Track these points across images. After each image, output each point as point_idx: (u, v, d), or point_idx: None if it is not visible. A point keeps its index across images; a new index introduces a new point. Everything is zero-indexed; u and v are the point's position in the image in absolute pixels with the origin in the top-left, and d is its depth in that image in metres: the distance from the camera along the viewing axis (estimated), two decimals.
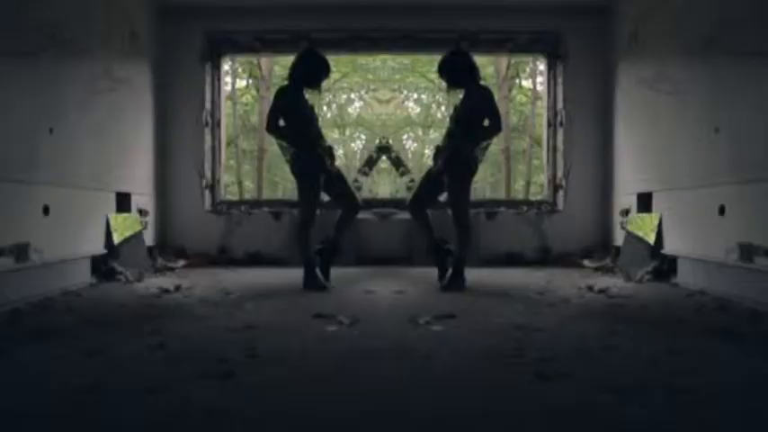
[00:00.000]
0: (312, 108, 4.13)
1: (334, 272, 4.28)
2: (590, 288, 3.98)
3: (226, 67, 6.55)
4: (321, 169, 4.03)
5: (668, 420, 1.55)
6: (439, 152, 4.11)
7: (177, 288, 3.93)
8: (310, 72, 4.04)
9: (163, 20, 5.78)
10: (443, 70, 4.12)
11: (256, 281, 4.50)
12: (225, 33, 5.99)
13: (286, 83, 4.13)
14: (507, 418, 1.58)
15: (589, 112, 5.96)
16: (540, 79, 9.21)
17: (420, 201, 4.18)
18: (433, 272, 4.28)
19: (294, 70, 4.06)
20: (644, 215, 4.90)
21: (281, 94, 4.05)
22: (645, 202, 4.96)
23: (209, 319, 2.96)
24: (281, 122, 4.03)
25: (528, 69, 11.01)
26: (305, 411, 1.63)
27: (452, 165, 4.01)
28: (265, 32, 6.01)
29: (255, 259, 5.79)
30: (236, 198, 8.47)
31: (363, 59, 6.67)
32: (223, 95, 6.24)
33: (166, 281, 4.35)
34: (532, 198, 6.43)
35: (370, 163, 6.43)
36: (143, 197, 5.32)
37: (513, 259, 5.82)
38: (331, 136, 6.81)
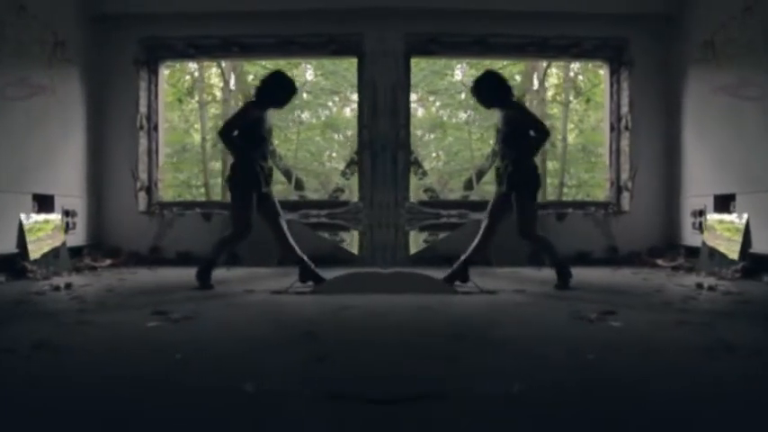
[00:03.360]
0: (270, 130, 4.23)
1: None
2: (699, 285, 4.15)
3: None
4: (255, 188, 4.10)
5: None
6: (500, 173, 4.21)
7: (68, 286, 4.11)
8: (278, 93, 4.13)
9: (96, 28, 5.99)
10: (475, 92, 4.25)
11: (160, 280, 4.67)
12: (160, 40, 6.18)
13: (253, 99, 4.18)
14: None
15: (654, 117, 6.12)
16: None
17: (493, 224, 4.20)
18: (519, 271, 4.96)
19: (262, 90, 4.13)
20: (726, 216, 4.97)
21: (246, 110, 4.15)
22: (723, 204, 5.06)
23: (56, 314, 3.11)
24: (236, 133, 4.10)
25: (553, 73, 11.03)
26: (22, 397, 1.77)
27: (516, 182, 4.10)
28: (199, 38, 6.19)
29: (186, 259, 5.94)
30: (205, 199, 8.65)
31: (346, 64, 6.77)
32: (161, 100, 6.43)
33: (72, 279, 4.53)
34: (594, 200, 6.62)
35: (351, 165, 6.56)
36: (71, 198, 5.53)
37: (582, 259, 5.91)
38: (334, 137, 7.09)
